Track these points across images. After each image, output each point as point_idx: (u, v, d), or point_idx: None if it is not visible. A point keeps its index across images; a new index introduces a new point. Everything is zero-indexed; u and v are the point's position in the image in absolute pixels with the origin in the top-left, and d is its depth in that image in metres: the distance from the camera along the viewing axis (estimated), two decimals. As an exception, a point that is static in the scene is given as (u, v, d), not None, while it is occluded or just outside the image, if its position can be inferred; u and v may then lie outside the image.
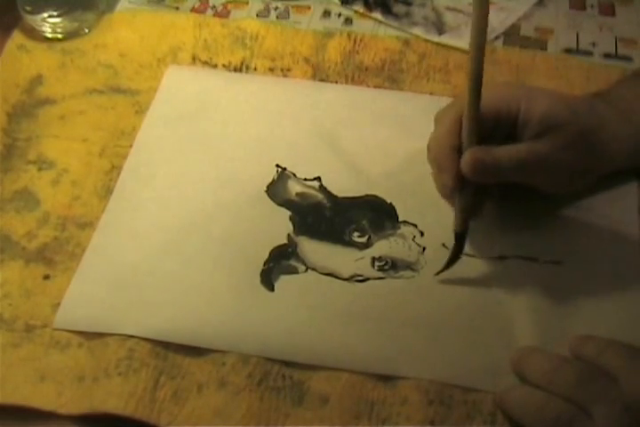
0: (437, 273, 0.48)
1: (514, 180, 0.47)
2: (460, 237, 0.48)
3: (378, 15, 0.64)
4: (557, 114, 0.46)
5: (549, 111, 0.46)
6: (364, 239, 0.50)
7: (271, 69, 0.60)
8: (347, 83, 0.59)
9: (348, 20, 0.64)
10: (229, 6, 0.66)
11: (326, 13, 0.65)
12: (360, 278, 0.48)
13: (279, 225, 0.51)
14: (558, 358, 0.43)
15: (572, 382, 0.41)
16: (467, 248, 0.49)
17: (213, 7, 0.65)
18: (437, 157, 0.47)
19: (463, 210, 0.47)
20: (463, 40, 0.61)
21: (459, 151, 0.46)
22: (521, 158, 0.45)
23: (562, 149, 0.46)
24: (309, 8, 0.65)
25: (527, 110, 0.46)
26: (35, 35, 0.62)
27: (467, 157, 0.45)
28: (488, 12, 0.42)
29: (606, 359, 0.42)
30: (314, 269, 0.49)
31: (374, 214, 0.51)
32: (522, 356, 0.44)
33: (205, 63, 0.61)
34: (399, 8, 0.64)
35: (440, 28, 0.62)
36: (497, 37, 0.62)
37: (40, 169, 0.54)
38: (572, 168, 0.47)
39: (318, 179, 0.53)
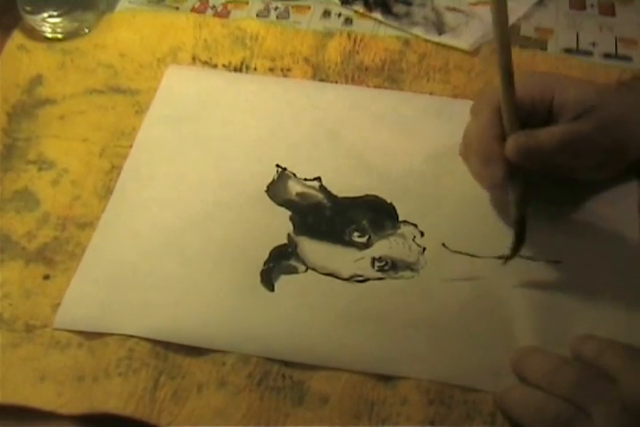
0: (504, 262, 0.48)
1: (555, 162, 0.47)
2: (520, 224, 0.47)
3: (378, 15, 0.64)
4: (588, 99, 0.47)
5: (581, 96, 0.47)
6: (364, 239, 0.50)
7: (271, 69, 0.60)
8: (347, 83, 0.59)
9: (348, 20, 0.64)
10: (229, 6, 0.66)
11: (326, 13, 0.65)
12: (360, 279, 0.48)
13: (279, 225, 0.51)
14: (558, 358, 0.43)
15: (572, 383, 0.41)
16: (467, 248, 0.49)
17: (213, 7, 0.65)
18: (482, 148, 0.48)
19: (519, 197, 0.47)
20: (463, 40, 0.61)
21: (502, 140, 0.46)
22: (563, 138, 0.46)
23: (597, 130, 0.47)
24: (309, 8, 0.65)
25: (560, 96, 0.47)
26: (35, 35, 0.62)
27: (510, 143, 0.46)
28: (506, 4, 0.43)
29: (606, 360, 0.42)
30: (314, 270, 0.49)
31: (374, 214, 0.51)
32: (522, 356, 0.44)
33: (205, 63, 0.61)
34: (399, 8, 0.64)
35: (440, 28, 0.62)
36: (497, 37, 0.62)
37: (40, 169, 0.54)
38: (606, 150, 0.48)
39: (318, 179, 0.53)
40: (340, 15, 0.65)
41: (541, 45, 0.62)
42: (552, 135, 0.46)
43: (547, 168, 0.48)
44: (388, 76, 0.60)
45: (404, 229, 0.51)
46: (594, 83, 0.50)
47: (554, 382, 0.42)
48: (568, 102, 0.47)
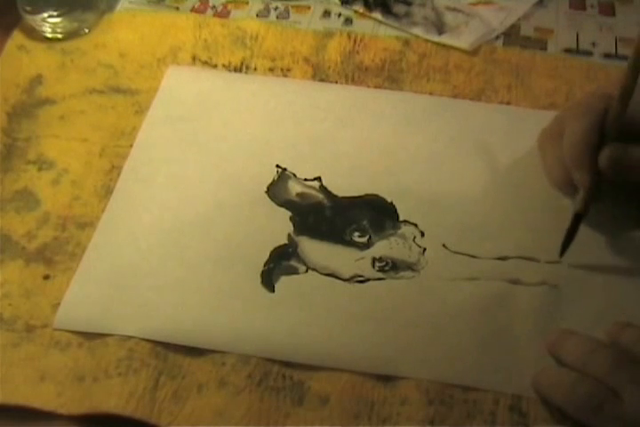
0: (560, 256, 0.48)
1: None
2: (578, 219, 0.48)
3: (378, 15, 0.64)
4: None
5: None
6: (364, 239, 0.50)
7: (271, 69, 0.60)
8: (347, 83, 0.59)
9: (348, 20, 0.64)
10: (229, 6, 0.66)
11: (326, 13, 0.65)
12: (360, 279, 0.48)
13: (279, 225, 0.51)
14: (595, 341, 0.44)
15: (607, 365, 0.42)
16: (467, 248, 0.49)
17: (213, 7, 0.65)
18: (575, 153, 0.48)
19: (589, 192, 0.48)
20: (463, 40, 0.61)
21: (596, 149, 0.47)
22: None
23: None
24: (309, 8, 0.65)
25: None
26: (35, 35, 0.62)
27: (606, 153, 0.47)
28: None
29: None
30: (314, 270, 0.49)
31: (375, 214, 0.51)
32: (559, 338, 0.45)
33: (205, 63, 0.61)
34: (399, 8, 0.64)
35: (440, 28, 0.62)
36: (497, 37, 0.62)
37: (40, 169, 0.54)
38: None
39: (319, 179, 0.53)
40: (340, 15, 0.65)
41: (541, 45, 0.62)
42: None
43: (632, 181, 0.48)
44: (388, 76, 0.60)
45: (404, 229, 0.51)
46: None
47: (589, 363, 0.42)
48: None
